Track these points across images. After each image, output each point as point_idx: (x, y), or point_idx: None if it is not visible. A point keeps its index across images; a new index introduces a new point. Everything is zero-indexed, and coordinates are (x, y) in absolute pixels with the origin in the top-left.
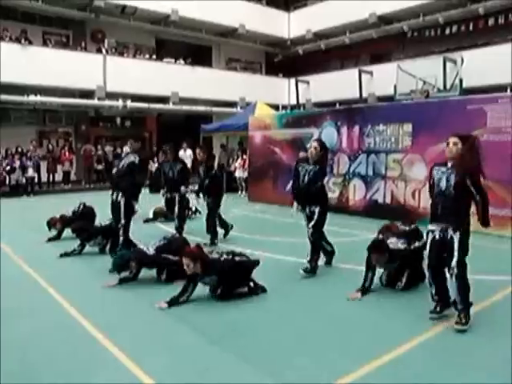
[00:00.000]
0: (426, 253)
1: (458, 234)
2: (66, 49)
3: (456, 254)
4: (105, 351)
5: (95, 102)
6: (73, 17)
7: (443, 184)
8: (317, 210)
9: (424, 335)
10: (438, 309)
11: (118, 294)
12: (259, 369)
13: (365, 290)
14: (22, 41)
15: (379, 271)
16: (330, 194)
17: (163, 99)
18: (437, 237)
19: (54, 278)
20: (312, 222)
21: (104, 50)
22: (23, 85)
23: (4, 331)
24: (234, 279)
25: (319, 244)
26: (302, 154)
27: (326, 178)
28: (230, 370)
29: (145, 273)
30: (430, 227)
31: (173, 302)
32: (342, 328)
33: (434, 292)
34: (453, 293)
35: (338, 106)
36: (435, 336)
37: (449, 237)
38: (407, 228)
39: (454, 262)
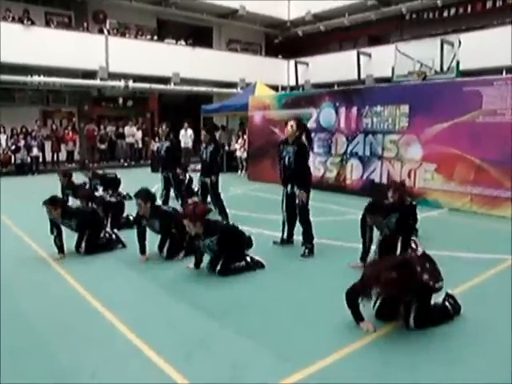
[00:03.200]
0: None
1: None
2: (68, 29)
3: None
4: (105, 322)
5: (98, 82)
6: None
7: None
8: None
9: None
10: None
11: (121, 271)
12: (259, 342)
13: (365, 254)
14: (25, 21)
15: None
16: (327, 174)
17: (164, 80)
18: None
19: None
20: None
21: (106, 31)
22: (26, 65)
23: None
24: (233, 248)
25: (309, 224)
26: None
27: (324, 158)
28: (227, 342)
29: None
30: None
31: (196, 264)
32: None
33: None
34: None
35: (336, 87)
36: None
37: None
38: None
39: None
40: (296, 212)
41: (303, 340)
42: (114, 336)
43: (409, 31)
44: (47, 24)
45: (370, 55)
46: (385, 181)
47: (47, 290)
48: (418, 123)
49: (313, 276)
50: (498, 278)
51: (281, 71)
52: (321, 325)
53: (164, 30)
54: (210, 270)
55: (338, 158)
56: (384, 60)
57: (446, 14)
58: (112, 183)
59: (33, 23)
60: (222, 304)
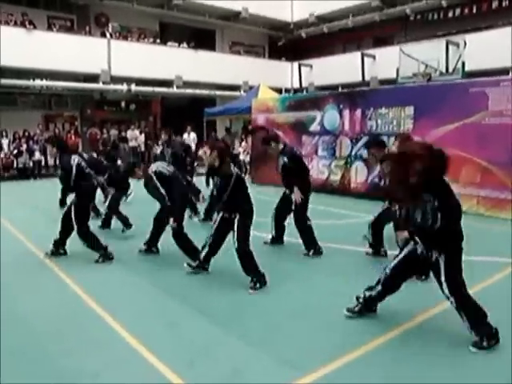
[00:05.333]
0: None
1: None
2: (70, 33)
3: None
4: (106, 326)
5: (100, 85)
6: (76, 1)
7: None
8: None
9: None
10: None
11: (122, 273)
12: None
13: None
14: (27, 25)
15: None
16: (332, 177)
17: (167, 83)
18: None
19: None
20: (293, 210)
21: (108, 34)
22: (29, 69)
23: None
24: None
25: (307, 228)
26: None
27: (329, 161)
28: (229, 348)
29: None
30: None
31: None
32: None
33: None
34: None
35: (340, 89)
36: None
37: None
38: None
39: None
40: (284, 211)
41: (306, 346)
42: (114, 340)
43: (413, 32)
44: (49, 28)
45: (374, 57)
46: None
47: (47, 293)
48: (423, 125)
49: (315, 279)
50: (505, 281)
51: (284, 74)
52: (324, 330)
53: (166, 33)
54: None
55: (342, 161)
56: (388, 61)
57: (450, 14)
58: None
59: (35, 27)
60: (225, 309)
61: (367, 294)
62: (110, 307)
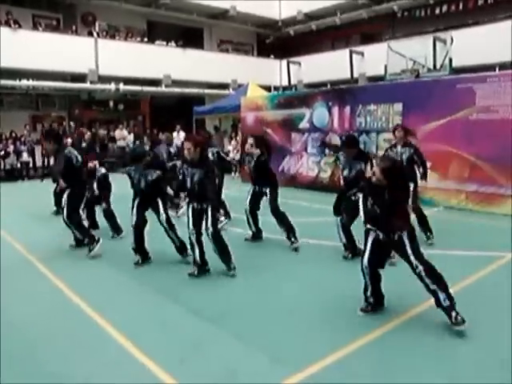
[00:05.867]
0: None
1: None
2: (56, 32)
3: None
4: (97, 327)
5: (88, 85)
6: None
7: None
8: (267, 190)
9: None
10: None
11: (112, 274)
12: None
13: None
14: (12, 24)
15: None
16: (321, 174)
17: (156, 82)
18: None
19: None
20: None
21: (95, 34)
22: (15, 69)
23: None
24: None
25: (284, 218)
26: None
27: (318, 158)
28: (221, 346)
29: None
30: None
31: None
32: (333, 300)
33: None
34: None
35: (329, 86)
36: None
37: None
38: None
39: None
40: (257, 205)
41: (298, 343)
42: (105, 342)
43: (401, 29)
44: (35, 27)
45: (362, 54)
46: None
47: (36, 295)
48: (412, 121)
49: (305, 276)
50: (495, 275)
51: (273, 71)
52: (315, 326)
53: (154, 32)
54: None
55: (331, 158)
56: (377, 58)
57: (437, 11)
58: None
59: (20, 26)
60: (216, 307)
61: (368, 294)
62: (100, 308)
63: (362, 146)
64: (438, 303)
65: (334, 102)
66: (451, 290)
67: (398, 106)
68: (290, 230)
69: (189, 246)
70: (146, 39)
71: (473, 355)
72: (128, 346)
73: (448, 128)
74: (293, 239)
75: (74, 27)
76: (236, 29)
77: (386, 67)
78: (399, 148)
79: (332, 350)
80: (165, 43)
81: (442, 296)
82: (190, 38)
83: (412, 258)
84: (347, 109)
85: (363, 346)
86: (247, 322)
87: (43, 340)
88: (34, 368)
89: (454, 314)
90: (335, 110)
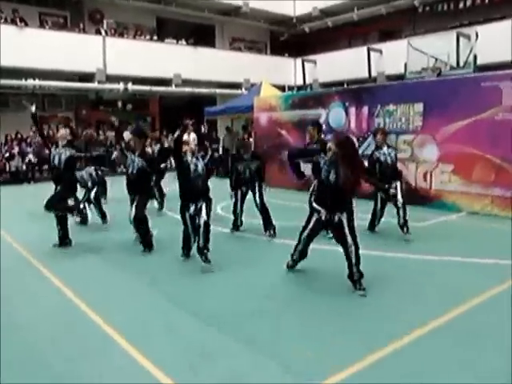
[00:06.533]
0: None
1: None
2: (63, 30)
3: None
4: (101, 332)
5: (95, 85)
6: None
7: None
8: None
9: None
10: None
11: (115, 275)
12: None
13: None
14: (18, 22)
15: None
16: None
17: (165, 81)
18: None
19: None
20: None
21: (103, 32)
22: (20, 68)
23: None
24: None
25: (267, 209)
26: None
27: None
28: (230, 353)
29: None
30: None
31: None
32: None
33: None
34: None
35: (346, 85)
36: None
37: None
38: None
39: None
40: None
41: (311, 352)
42: (110, 347)
43: (422, 25)
44: (41, 25)
45: (381, 51)
46: None
47: (37, 298)
48: (433, 122)
49: (312, 282)
50: None
51: (287, 70)
52: (328, 336)
53: (164, 30)
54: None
55: None
56: (396, 56)
57: (461, 5)
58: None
59: (26, 24)
60: (225, 311)
61: (290, 262)
62: (103, 311)
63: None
64: (351, 276)
65: (351, 101)
66: (470, 303)
67: (419, 106)
68: (268, 223)
69: None
70: (155, 37)
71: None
72: (133, 351)
73: (472, 129)
74: (267, 232)
75: (81, 25)
76: (249, 26)
77: (405, 65)
78: (385, 149)
79: (348, 362)
80: (175, 41)
81: (355, 269)
82: (201, 35)
83: (349, 238)
84: (365, 109)
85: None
86: (259, 328)
87: (45, 343)
88: (35, 370)
89: (359, 285)
90: (352, 110)
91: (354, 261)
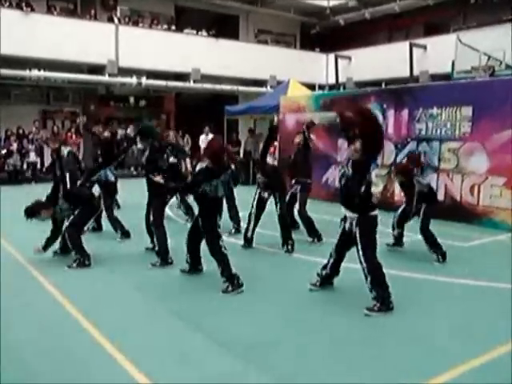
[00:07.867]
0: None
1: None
2: (73, 17)
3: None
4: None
5: (106, 78)
6: None
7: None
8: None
9: None
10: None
11: (122, 289)
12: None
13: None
14: (24, 8)
15: None
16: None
17: (183, 76)
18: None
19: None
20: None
21: (116, 20)
22: (24, 57)
23: None
24: None
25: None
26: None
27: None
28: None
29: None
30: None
31: None
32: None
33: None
34: None
35: (384, 85)
36: None
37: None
38: None
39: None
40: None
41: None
42: (114, 371)
43: (474, 17)
44: (49, 11)
45: (425, 47)
46: (441, 197)
47: (34, 307)
48: (483, 128)
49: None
50: None
51: (318, 67)
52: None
53: (183, 19)
54: None
55: (384, 170)
56: (442, 53)
57: None
58: None
59: (33, 9)
60: (244, 338)
61: (323, 272)
62: (106, 329)
63: (421, 157)
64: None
65: (390, 104)
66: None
67: (467, 110)
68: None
69: None
70: (173, 27)
71: None
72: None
73: None
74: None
75: (92, 12)
76: (276, 17)
77: (453, 63)
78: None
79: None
80: (194, 32)
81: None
82: (224, 26)
83: (360, 253)
84: (405, 112)
85: None
86: (278, 355)
87: (46, 365)
88: None
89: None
90: (390, 113)
91: (370, 283)
